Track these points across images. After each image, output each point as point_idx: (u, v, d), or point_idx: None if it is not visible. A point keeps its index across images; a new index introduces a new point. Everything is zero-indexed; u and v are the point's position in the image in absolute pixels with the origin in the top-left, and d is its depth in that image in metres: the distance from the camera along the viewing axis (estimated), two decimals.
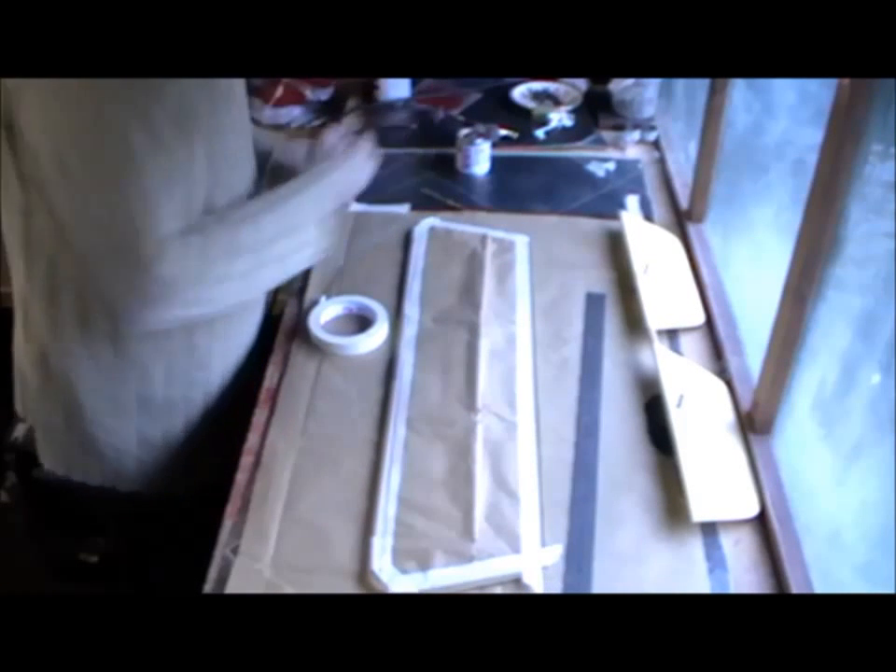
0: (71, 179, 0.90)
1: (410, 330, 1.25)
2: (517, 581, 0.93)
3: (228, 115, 1.02)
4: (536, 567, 0.94)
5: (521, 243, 1.43)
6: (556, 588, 0.92)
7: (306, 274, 1.37)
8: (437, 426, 1.11)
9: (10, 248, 1.05)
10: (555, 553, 0.96)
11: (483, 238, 1.43)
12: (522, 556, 0.95)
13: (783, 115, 1.17)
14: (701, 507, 0.98)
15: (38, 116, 0.89)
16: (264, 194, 1.08)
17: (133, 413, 1.11)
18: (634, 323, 1.28)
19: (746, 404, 1.10)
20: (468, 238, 1.44)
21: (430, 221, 1.48)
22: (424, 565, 0.94)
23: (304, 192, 1.09)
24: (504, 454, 1.07)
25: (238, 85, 1.07)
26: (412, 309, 1.29)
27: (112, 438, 1.12)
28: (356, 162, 1.18)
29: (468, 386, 1.16)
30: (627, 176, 1.64)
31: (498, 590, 0.92)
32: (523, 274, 1.37)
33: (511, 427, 1.10)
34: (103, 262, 0.93)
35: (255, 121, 1.35)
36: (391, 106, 1.85)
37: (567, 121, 1.81)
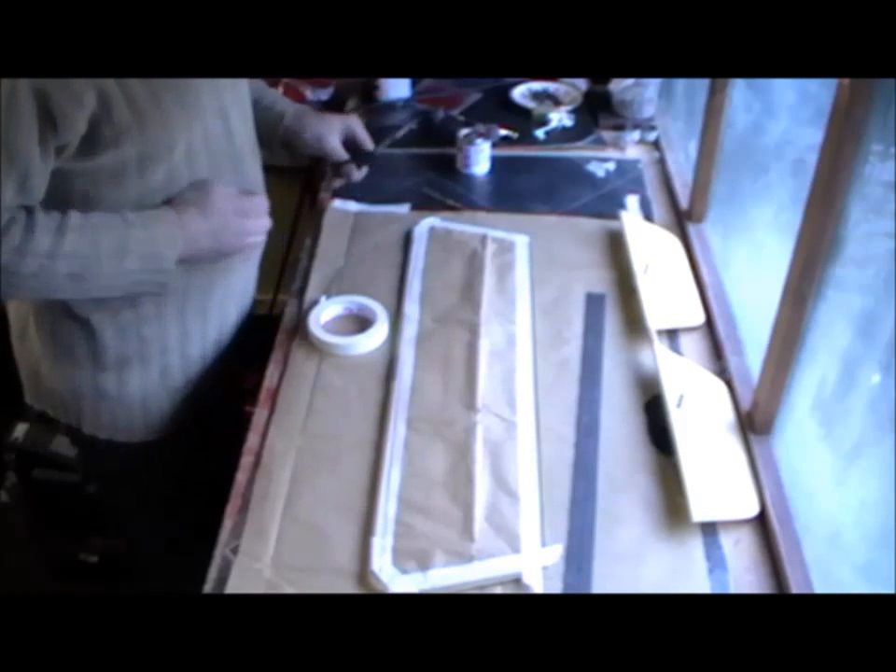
0: None
1: (410, 330, 1.25)
2: (517, 581, 0.93)
3: (182, 111, 1.01)
4: (536, 567, 0.94)
5: (521, 243, 1.43)
6: (556, 588, 0.92)
7: (306, 274, 1.37)
8: (437, 425, 1.11)
9: None
10: (555, 552, 0.96)
11: (483, 238, 1.43)
12: (522, 556, 0.95)
13: (783, 115, 1.16)
14: (701, 507, 0.98)
15: None
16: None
17: (86, 364, 1.15)
18: (634, 323, 1.28)
19: (746, 404, 1.10)
20: (468, 238, 1.44)
21: (430, 221, 1.48)
22: (424, 565, 0.94)
23: (159, 219, 1.05)
24: (504, 454, 1.07)
25: (206, 90, 1.05)
26: (412, 309, 1.29)
27: (67, 383, 1.17)
28: (237, 227, 1.13)
29: (468, 386, 1.16)
30: (627, 176, 1.64)
31: (498, 590, 0.92)
32: (523, 274, 1.37)
33: (511, 427, 1.10)
34: None
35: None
36: (391, 106, 1.86)
37: (567, 121, 1.81)
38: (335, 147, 1.42)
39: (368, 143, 1.46)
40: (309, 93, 1.90)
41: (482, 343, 1.22)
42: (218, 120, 1.10)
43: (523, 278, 1.36)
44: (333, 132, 1.41)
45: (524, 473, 1.05)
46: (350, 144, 1.44)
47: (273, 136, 1.35)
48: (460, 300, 1.31)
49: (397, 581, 0.92)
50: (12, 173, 0.92)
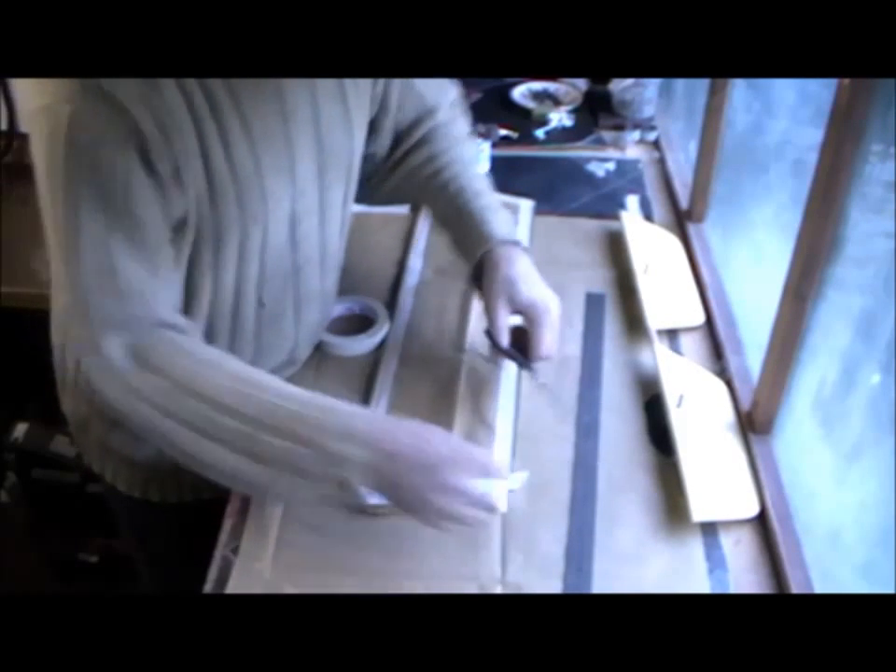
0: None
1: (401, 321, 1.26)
2: None
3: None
4: (502, 489, 0.99)
5: (525, 207, 1.49)
6: (556, 588, 0.92)
7: None
8: (427, 363, 1.19)
9: None
10: (521, 478, 1.03)
11: None
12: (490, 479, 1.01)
13: (783, 115, 1.17)
14: (701, 507, 0.98)
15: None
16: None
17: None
18: (634, 323, 1.28)
19: (746, 404, 1.10)
20: None
21: (430, 221, 1.48)
22: None
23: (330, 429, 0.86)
24: (485, 390, 1.14)
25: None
26: (407, 307, 1.30)
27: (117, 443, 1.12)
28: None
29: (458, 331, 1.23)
30: (627, 176, 1.64)
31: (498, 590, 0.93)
32: (523, 235, 1.42)
33: (495, 369, 1.17)
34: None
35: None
36: None
37: (567, 121, 1.81)
38: (497, 325, 1.06)
39: (539, 346, 1.04)
40: None
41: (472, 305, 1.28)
42: (284, 227, 1.00)
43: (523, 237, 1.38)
44: (504, 305, 1.05)
45: (502, 410, 1.11)
46: (519, 332, 1.08)
47: (468, 260, 1.11)
48: (459, 296, 1.32)
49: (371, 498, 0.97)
50: (139, 248, 0.84)
